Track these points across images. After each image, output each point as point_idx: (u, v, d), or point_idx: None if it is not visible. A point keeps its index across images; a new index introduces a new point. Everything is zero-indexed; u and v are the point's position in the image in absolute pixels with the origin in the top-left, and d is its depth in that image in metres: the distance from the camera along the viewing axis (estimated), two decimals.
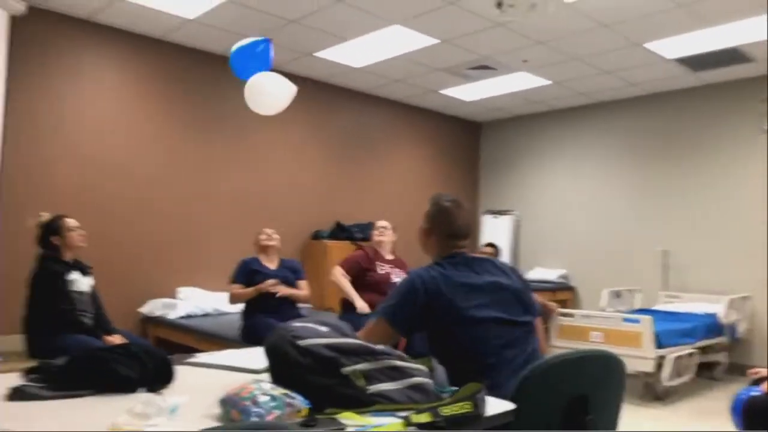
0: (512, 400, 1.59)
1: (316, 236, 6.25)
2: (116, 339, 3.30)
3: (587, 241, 6.99)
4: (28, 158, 4.66)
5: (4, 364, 3.23)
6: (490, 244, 6.13)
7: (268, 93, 3.73)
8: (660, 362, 4.45)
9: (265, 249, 4.16)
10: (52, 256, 3.33)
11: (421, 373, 1.54)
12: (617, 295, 5.97)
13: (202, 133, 5.63)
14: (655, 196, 6.50)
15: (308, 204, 6.35)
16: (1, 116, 4.21)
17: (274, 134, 6.13)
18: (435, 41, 5.16)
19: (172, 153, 5.44)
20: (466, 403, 1.39)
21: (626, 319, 4.68)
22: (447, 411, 1.36)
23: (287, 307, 3.97)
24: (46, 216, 3.42)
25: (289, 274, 4.16)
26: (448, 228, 2.09)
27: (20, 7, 4.34)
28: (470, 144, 8.15)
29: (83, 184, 4.92)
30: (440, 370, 1.63)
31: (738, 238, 5.81)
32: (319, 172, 6.51)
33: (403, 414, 1.37)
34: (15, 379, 1.56)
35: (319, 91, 6.49)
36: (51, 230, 3.36)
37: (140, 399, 1.32)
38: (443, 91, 6.73)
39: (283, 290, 3.96)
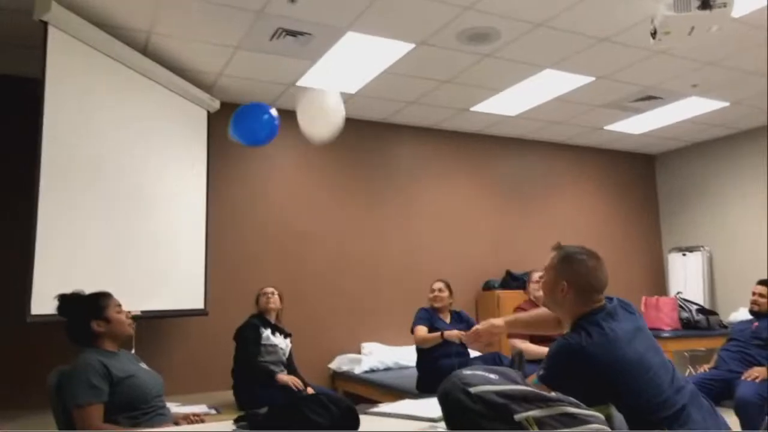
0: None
1: (487, 286, 6.24)
2: (288, 378, 3.93)
3: None
4: (227, 240, 5.32)
5: (218, 416, 3.67)
6: (764, 282, 4.33)
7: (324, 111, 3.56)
8: None
9: (435, 307, 4.36)
10: (257, 315, 4.16)
11: (598, 420, 1.50)
12: None
13: (374, 197, 6.03)
14: None
15: (478, 255, 6.41)
16: (204, 205, 4.90)
17: (440, 190, 6.35)
18: (590, 79, 5.05)
19: (349, 218, 5.88)
20: None
21: None
22: None
23: (460, 351, 4.14)
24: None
25: (462, 327, 4.27)
26: (593, 282, 2.00)
27: (215, 105, 5.10)
28: (645, 178, 7.67)
29: (275, 256, 5.49)
30: (619, 418, 1.57)
31: None
32: (487, 222, 6.56)
33: None
34: (227, 426, 1.81)
35: (478, 143, 6.62)
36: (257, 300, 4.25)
37: None
38: (608, 127, 6.48)
39: (468, 337, 4.06)
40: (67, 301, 2.42)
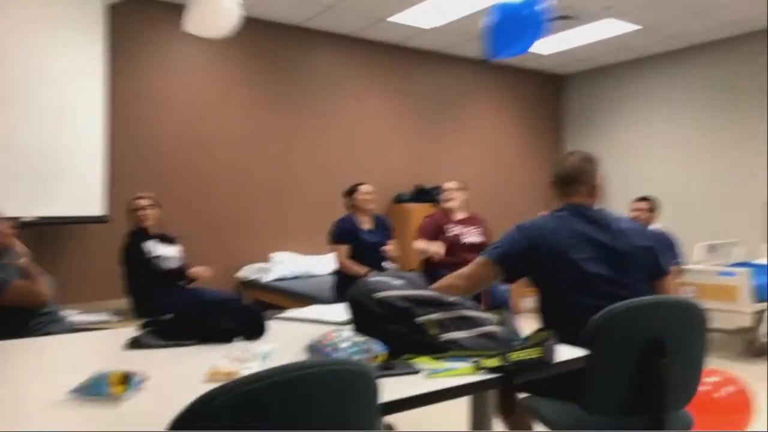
0: (585, 343, 1.63)
1: (398, 200, 6.37)
2: (199, 270, 3.77)
3: (681, 194, 6.67)
4: (130, 140, 5.04)
5: (121, 322, 3.62)
6: (644, 198, 4.95)
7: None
8: (759, 317, 4.25)
9: (363, 210, 4.33)
10: (136, 231, 3.78)
11: (492, 322, 1.62)
12: (713, 248, 5.70)
13: (286, 104, 5.85)
14: (756, 143, 6.08)
15: (390, 168, 6.47)
16: (101, 111, 4.57)
17: (355, 101, 6.26)
18: None
19: (259, 125, 5.70)
20: (535, 350, 1.46)
21: (722, 273, 4.49)
22: (516, 356, 1.44)
23: (379, 265, 4.19)
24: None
25: (384, 235, 4.37)
26: (558, 173, 2.11)
27: None
28: (552, 99, 7.92)
29: (180, 162, 5.28)
30: (511, 320, 1.70)
31: None
32: (399, 136, 6.58)
33: (475, 359, 1.45)
34: (132, 332, 1.79)
35: (394, 56, 6.52)
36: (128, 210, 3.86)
37: (237, 347, 1.49)
38: None
39: (391, 254, 4.17)
40: None
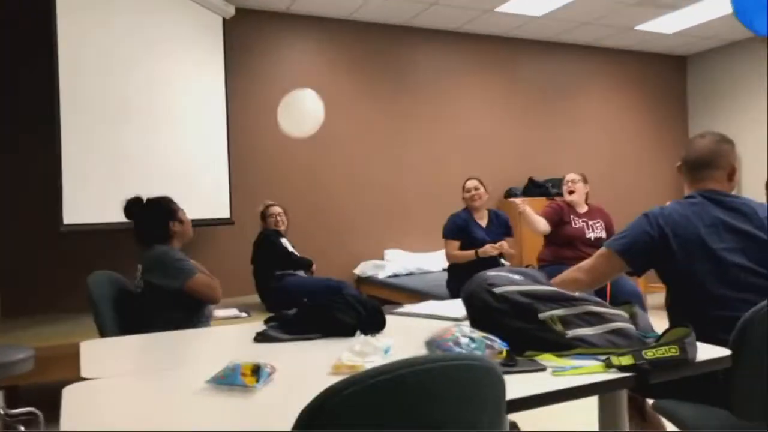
0: (735, 341, 1.50)
1: (510, 194, 6.21)
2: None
3: None
4: (249, 148, 5.32)
5: (249, 318, 3.82)
6: None
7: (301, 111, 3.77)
8: None
9: (470, 206, 4.26)
10: (274, 231, 4.33)
11: (621, 318, 1.53)
12: None
13: (395, 103, 5.91)
14: None
15: (501, 162, 6.34)
16: (224, 116, 4.87)
17: (463, 96, 6.20)
18: None
19: (370, 126, 5.80)
20: (672, 347, 1.35)
21: None
22: (651, 354, 1.34)
23: (493, 264, 4.06)
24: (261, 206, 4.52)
25: (499, 232, 4.22)
26: (689, 157, 1.96)
27: (230, 11, 4.94)
28: (676, 81, 7.37)
29: (296, 165, 5.49)
30: (643, 316, 1.59)
31: None
32: (509, 129, 6.43)
33: (604, 357, 1.37)
34: (259, 327, 1.88)
35: (502, 47, 6.38)
36: (263, 216, 4.43)
37: (359, 341, 1.51)
38: (639, 27, 6.16)
39: (505, 249, 4.06)
40: (137, 204, 2.59)
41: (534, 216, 4.08)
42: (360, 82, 5.79)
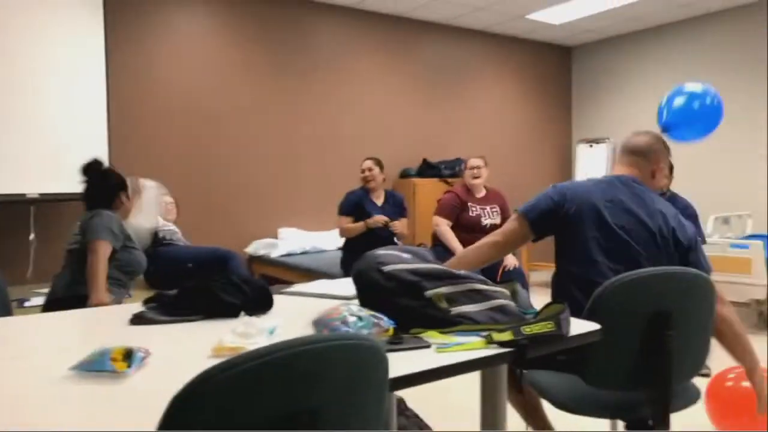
0: (590, 313, 1.61)
1: (404, 174, 6.30)
2: None
3: (692, 165, 6.57)
4: (131, 113, 4.99)
5: (130, 300, 3.61)
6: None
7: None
8: None
9: (367, 186, 4.30)
10: None
11: (503, 295, 1.58)
12: (725, 221, 5.63)
13: (291, 77, 5.77)
14: (764, 112, 5.96)
15: (397, 142, 6.40)
16: (103, 88, 4.53)
17: (360, 73, 6.17)
18: None
19: (264, 99, 5.62)
20: (548, 323, 1.41)
21: (734, 245, 4.43)
22: (529, 330, 1.39)
23: (388, 243, 4.12)
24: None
25: (394, 212, 4.32)
26: (626, 143, 2.14)
27: None
28: (561, 70, 7.78)
29: (184, 136, 5.22)
30: (522, 293, 1.66)
31: None
32: (406, 109, 6.50)
33: (485, 333, 1.41)
34: (137, 308, 1.76)
35: (400, 27, 6.40)
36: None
37: (243, 322, 1.45)
38: (530, 16, 6.42)
39: (395, 225, 4.15)
40: (96, 167, 2.93)
41: (451, 243, 4.11)
42: (255, 52, 5.58)
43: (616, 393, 1.77)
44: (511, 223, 2.08)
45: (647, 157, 2.08)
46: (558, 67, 7.73)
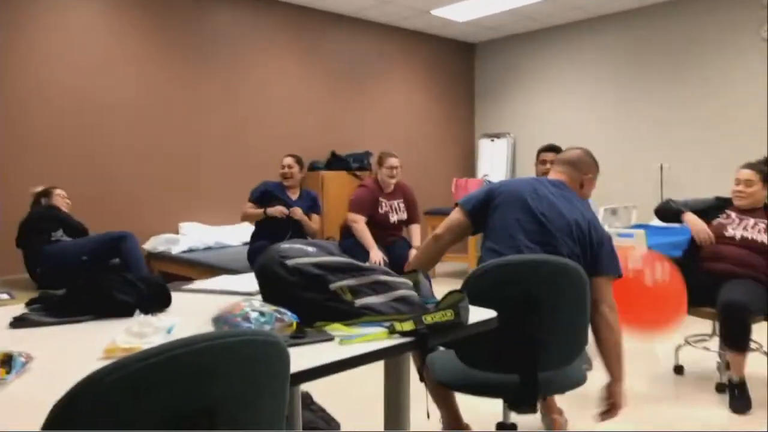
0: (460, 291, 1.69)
1: (312, 167, 6.26)
2: None
3: None
4: (17, 110, 4.62)
5: (12, 301, 3.34)
6: (551, 148, 4.11)
7: None
8: None
9: (286, 184, 4.29)
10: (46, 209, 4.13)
11: (406, 286, 1.60)
12: (613, 212, 6.03)
13: (193, 70, 5.55)
14: (654, 110, 6.44)
15: (304, 135, 6.33)
16: None
17: (265, 64, 6.04)
18: None
19: (163, 89, 5.38)
20: (448, 311, 1.46)
21: (621, 234, 4.75)
22: (430, 319, 1.43)
23: (297, 237, 4.09)
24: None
25: (307, 207, 4.30)
26: (563, 154, 2.34)
27: None
28: (465, 66, 8.01)
29: (76, 126, 4.90)
30: (425, 283, 1.69)
31: (734, 151, 5.79)
32: (313, 102, 6.44)
33: (388, 324, 1.43)
34: (19, 310, 1.63)
35: (306, 17, 6.33)
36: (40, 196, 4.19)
37: (138, 321, 1.38)
38: (435, 12, 6.55)
39: (296, 212, 4.13)
40: None
41: (368, 241, 4.16)
42: (150, 44, 5.32)
43: (490, 374, 1.89)
44: (452, 215, 2.22)
45: (577, 168, 2.25)
46: (462, 63, 7.95)
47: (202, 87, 5.62)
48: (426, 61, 7.51)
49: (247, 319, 1.40)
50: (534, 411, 1.87)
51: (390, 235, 4.32)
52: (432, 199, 6.74)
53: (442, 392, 2.33)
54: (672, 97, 6.29)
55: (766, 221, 3.07)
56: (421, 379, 1.59)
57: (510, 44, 7.68)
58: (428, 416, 1.92)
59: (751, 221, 3.10)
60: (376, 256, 4.09)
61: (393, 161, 4.39)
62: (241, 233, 5.42)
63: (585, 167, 2.26)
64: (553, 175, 2.28)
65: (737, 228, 3.11)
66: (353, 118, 6.78)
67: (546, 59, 7.33)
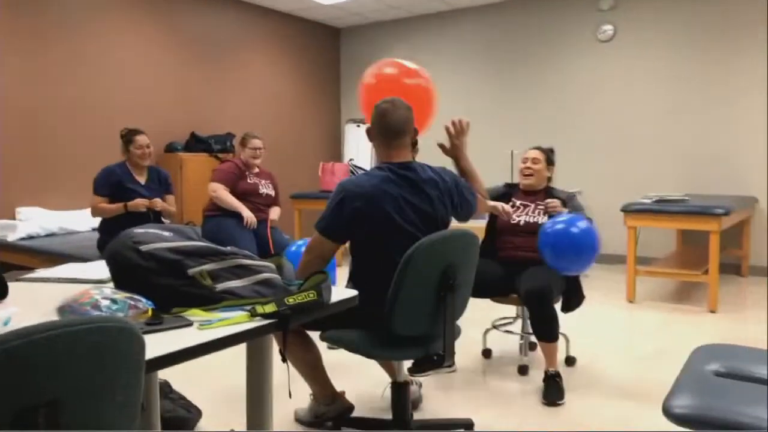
0: (400, 270, 1.89)
1: (170, 148, 5.95)
2: None
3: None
4: None
5: None
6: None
7: None
8: None
9: (137, 164, 3.99)
10: None
11: (269, 269, 1.61)
12: None
13: (31, 38, 5.00)
14: (510, 101, 6.89)
15: (160, 113, 5.98)
16: None
17: (119, 37, 5.60)
18: None
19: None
20: (311, 292, 1.48)
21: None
22: (292, 300, 1.45)
23: (154, 222, 3.87)
24: None
25: (159, 189, 4.06)
26: (386, 124, 2.16)
27: None
28: (330, 50, 8.01)
29: None
30: (288, 266, 1.70)
31: (575, 139, 6.40)
32: (172, 81, 6.09)
33: (250, 307, 1.43)
34: None
35: None
36: None
37: None
38: None
39: (159, 204, 3.92)
40: None
41: (232, 203, 4.12)
42: None
43: (411, 337, 2.05)
44: (315, 244, 2.14)
45: (407, 131, 2.20)
46: (328, 47, 7.95)
47: (40, 58, 5.09)
48: (292, 43, 7.40)
49: (97, 307, 1.33)
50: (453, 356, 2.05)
51: (259, 210, 4.23)
52: (298, 184, 6.69)
53: (309, 367, 2.37)
54: (524, 89, 6.78)
55: (543, 203, 3.17)
56: (284, 360, 1.61)
57: (375, 31, 7.80)
58: (290, 395, 1.95)
59: (532, 206, 3.21)
60: (247, 213, 4.07)
61: (257, 142, 4.34)
62: (89, 218, 5.02)
63: (410, 126, 2.23)
64: (389, 156, 2.19)
65: (522, 214, 3.20)
66: (216, 99, 6.53)
67: (411, 47, 7.53)
